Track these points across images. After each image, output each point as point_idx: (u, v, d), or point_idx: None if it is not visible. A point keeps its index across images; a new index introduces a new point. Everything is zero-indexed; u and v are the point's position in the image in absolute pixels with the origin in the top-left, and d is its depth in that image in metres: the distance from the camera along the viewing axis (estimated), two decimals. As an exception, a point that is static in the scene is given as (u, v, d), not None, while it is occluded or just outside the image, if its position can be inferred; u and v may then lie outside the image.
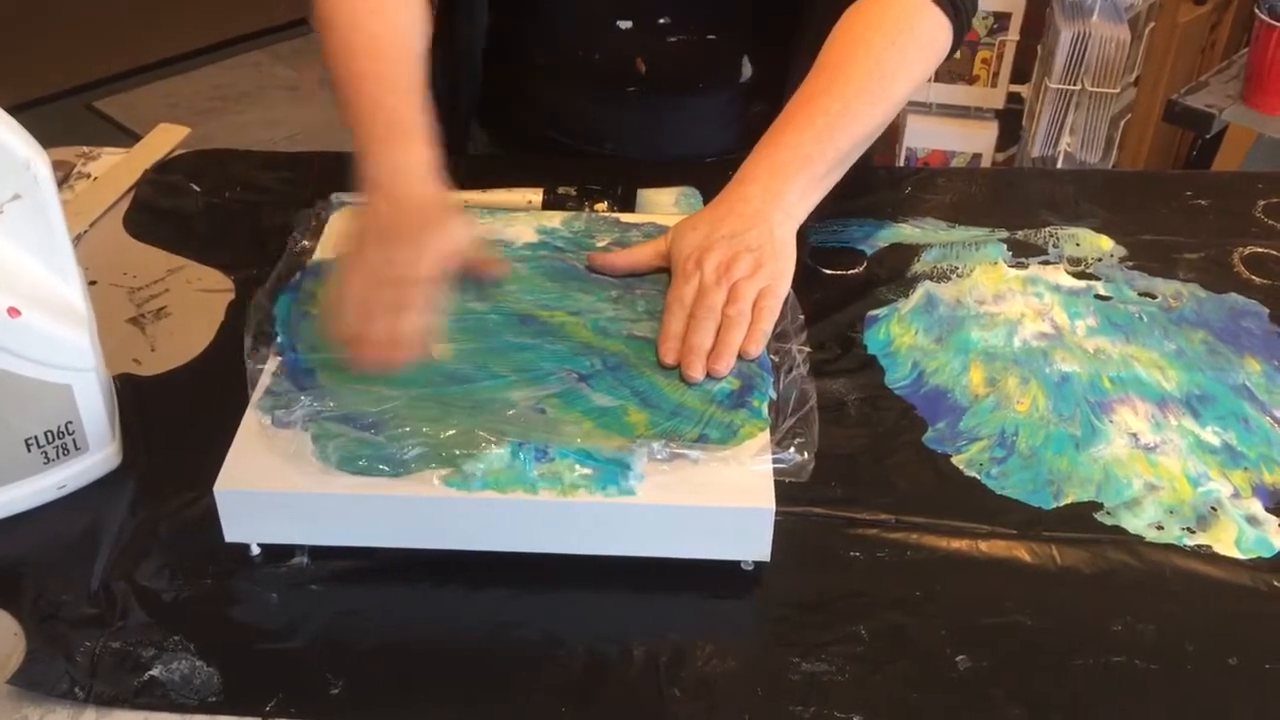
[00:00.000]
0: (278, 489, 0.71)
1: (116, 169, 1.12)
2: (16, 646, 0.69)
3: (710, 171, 0.95)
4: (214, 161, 1.15)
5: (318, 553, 0.74)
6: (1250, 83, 1.99)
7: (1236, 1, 2.38)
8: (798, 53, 1.05)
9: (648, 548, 0.72)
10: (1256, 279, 1.01)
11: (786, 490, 0.72)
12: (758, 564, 0.73)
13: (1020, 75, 2.20)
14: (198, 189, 1.10)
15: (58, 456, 0.77)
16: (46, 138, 0.74)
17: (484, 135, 1.22)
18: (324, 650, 0.69)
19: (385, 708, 0.66)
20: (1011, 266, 1.01)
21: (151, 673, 0.67)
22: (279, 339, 0.81)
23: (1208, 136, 2.02)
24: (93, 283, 0.96)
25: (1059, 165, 2.10)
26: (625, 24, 1.06)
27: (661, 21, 1.06)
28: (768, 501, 0.70)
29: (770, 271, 0.84)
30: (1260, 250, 1.04)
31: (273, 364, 0.79)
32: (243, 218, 1.06)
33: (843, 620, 0.71)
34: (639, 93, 1.10)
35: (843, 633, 0.70)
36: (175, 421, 0.84)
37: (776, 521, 0.71)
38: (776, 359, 0.82)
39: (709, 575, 0.73)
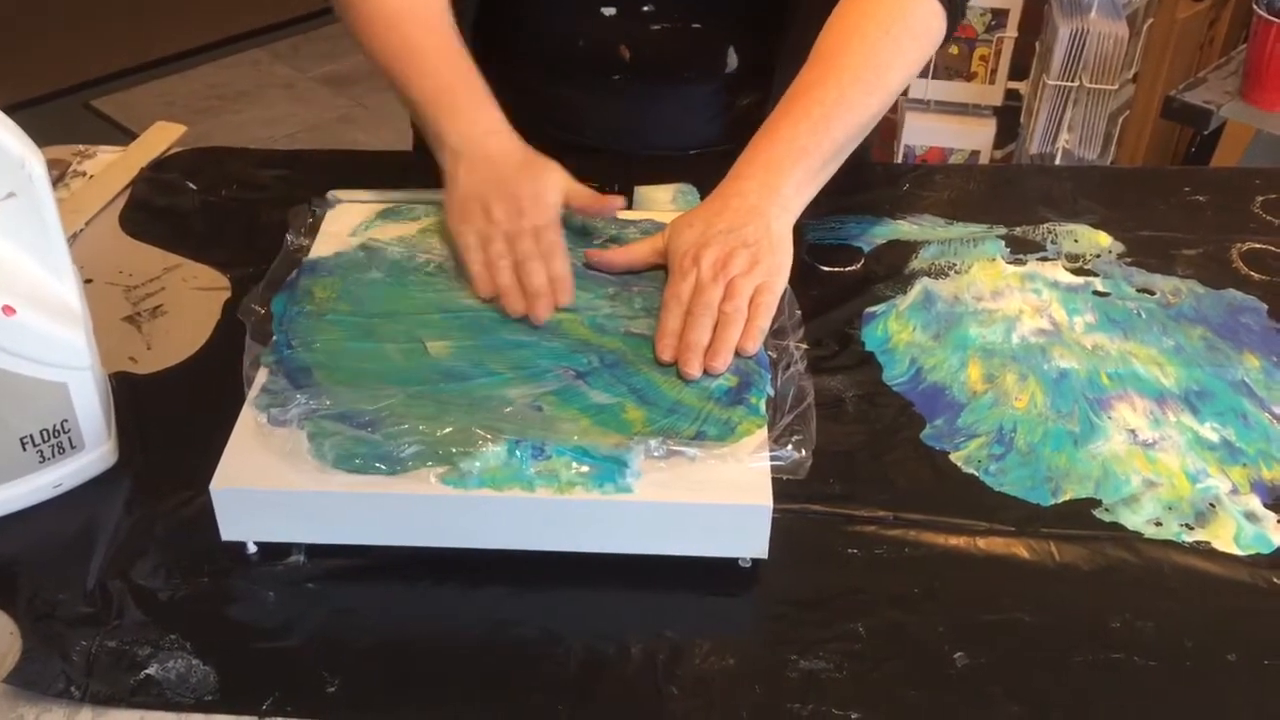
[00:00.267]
0: (274, 487, 0.71)
1: (113, 167, 1.12)
2: (12, 645, 0.69)
3: (706, 165, 0.95)
4: (210, 159, 1.14)
5: (314, 551, 0.74)
6: (1248, 79, 1.98)
7: (1234, -2, 2.38)
8: (784, 44, 1.04)
9: (645, 545, 0.72)
10: (1255, 275, 1.01)
11: (784, 487, 0.72)
12: (755, 561, 0.73)
13: (1018, 72, 2.20)
14: (194, 187, 1.10)
15: (53, 455, 0.76)
16: (44, 136, 0.74)
17: None
18: (320, 649, 0.69)
19: (382, 706, 0.66)
20: (1010, 263, 1.01)
21: (148, 671, 0.67)
22: (275, 337, 0.80)
23: (1206, 133, 2.02)
24: (89, 281, 0.96)
25: (1057, 162, 2.09)
26: (610, 10, 1.06)
27: (646, 9, 1.06)
28: (765, 499, 0.70)
29: (767, 267, 0.83)
30: (1258, 246, 1.04)
31: (269, 362, 0.78)
32: (239, 216, 1.06)
33: (841, 618, 0.71)
34: (623, 81, 1.10)
35: (841, 630, 0.70)
36: (171, 420, 0.84)
37: (774, 519, 0.71)
38: (774, 355, 0.81)
39: (707, 573, 0.73)
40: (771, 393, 0.78)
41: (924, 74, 2.18)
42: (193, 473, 0.74)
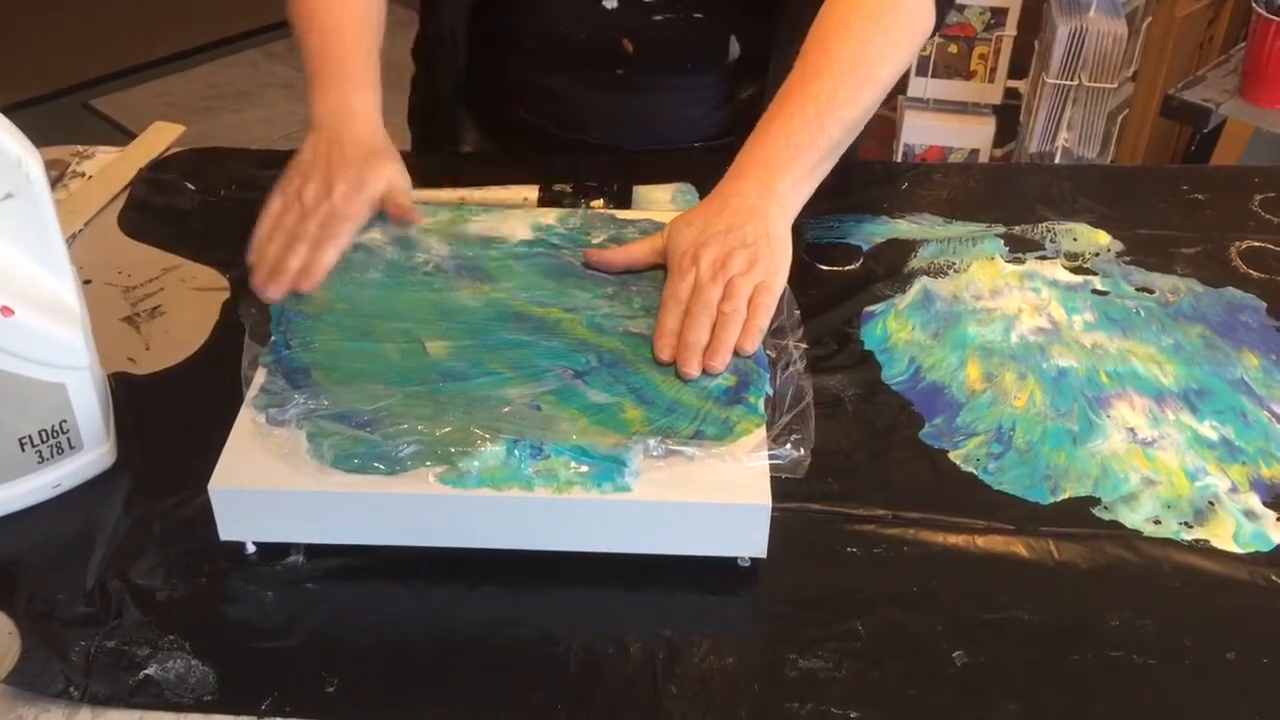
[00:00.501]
0: (272, 487, 0.71)
1: (111, 167, 1.12)
2: (11, 646, 0.69)
3: (704, 163, 0.95)
4: (209, 159, 1.14)
5: (313, 551, 0.74)
6: (1248, 77, 1.98)
7: (1233, -4, 2.37)
8: (783, 30, 1.04)
9: (644, 544, 0.72)
10: (1254, 273, 1.00)
11: (783, 486, 0.72)
12: (754, 560, 0.73)
13: (1017, 70, 2.20)
14: (192, 187, 1.10)
15: (52, 455, 0.76)
16: (43, 137, 0.74)
17: (472, 125, 1.22)
18: (319, 648, 0.69)
19: (380, 706, 0.66)
20: (1008, 262, 1.01)
21: (147, 671, 0.67)
22: (273, 338, 0.80)
23: (1205, 131, 2.02)
24: (88, 281, 0.96)
25: (1056, 160, 2.09)
26: (611, 3, 1.06)
27: (647, 0, 1.06)
28: (764, 498, 0.70)
29: (766, 267, 0.83)
30: (1257, 245, 1.04)
31: (267, 362, 0.78)
32: (238, 216, 1.05)
33: (840, 616, 0.71)
34: (626, 74, 1.10)
35: (840, 629, 0.70)
36: (170, 420, 0.84)
37: (773, 518, 0.71)
38: (773, 355, 0.81)
39: (705, 572, 0.73)
40: (770, 392, 0.78)
41: (923, 73, 2.18)
42: (191, 473, 0.74)
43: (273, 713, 0.66)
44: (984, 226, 1.05)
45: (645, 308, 0.84)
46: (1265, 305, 0.96)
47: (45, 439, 0.76)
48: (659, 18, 1.06)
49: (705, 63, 1.11)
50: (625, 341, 0.81)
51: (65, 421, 0.76)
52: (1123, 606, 0.72)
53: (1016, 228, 1.05)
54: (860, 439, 0.83)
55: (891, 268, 1.00)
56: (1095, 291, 0.97)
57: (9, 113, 0.71)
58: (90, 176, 1.11)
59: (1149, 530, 0.77)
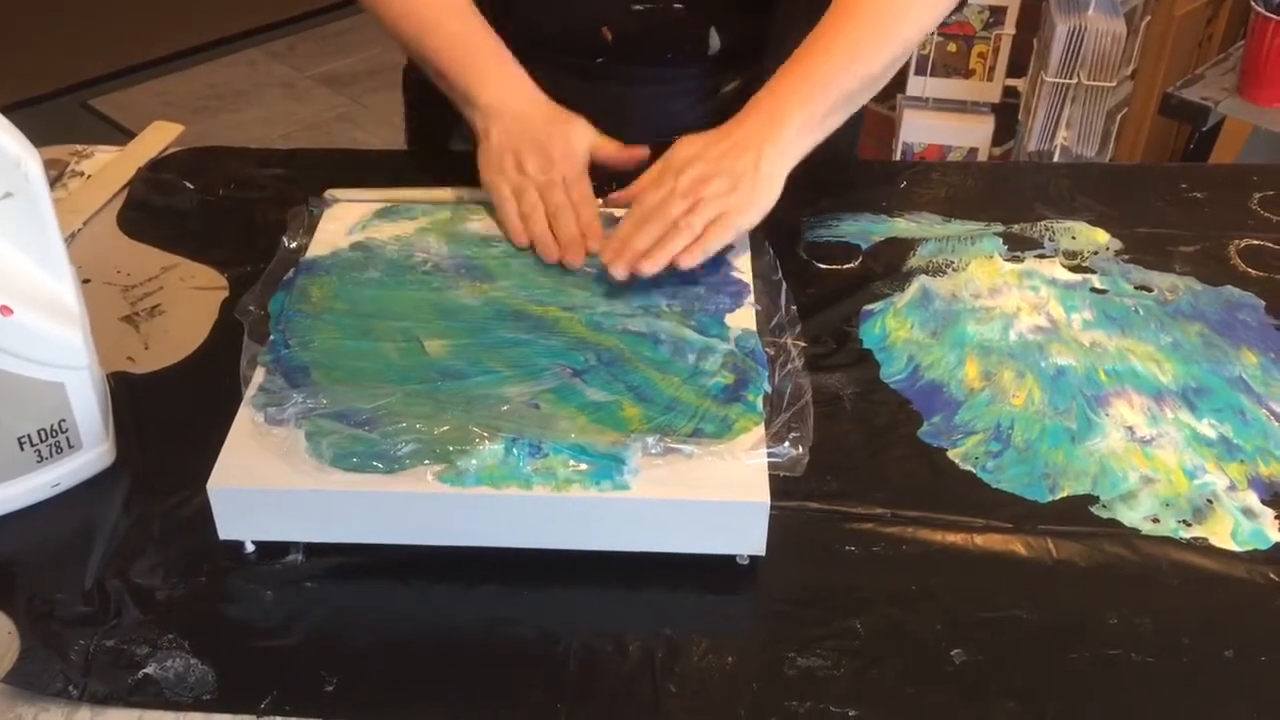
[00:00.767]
0: (271, 486, 0.71)
1: (110, 167, 1.12)
2: (11, 645, 0.69)
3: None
4: (208, 159, 1.14)
5: (312, 550, 0.74)
6: (1246, 76, 1.98)
7: (1232, -6, 2.38)
8: (771, 27, 1.05)
9: (643, 542, 0.72)
10: (1253, 271, 1.01)
11: (781, 485, 0.72)
12: (753, 559, 0.73)
13: (1016, 69, 2.20)
14: (191, 186, 1.10)
15: (51, 455, 0.76)
16: (42, 136, 0.74)
17: (456, 118, 1.21)
18: (318, 647, 0.69)
19: (379, 705, 0.66)
20: (1007, 260, 1.01)
21: (146, 671, 0.67)
22: (272, 337, 0.80)
23: (1204, 129, 2.02)
24: (86, 281, 0.96)
25: (1055, 159, 2.09)
26: None
27: None
28: (762, 496, 0.70)
29: (741, 199, 0.86)
30: (1256, 243, 1.04)
31: (266, 361, 0.78)
32: (237, 215, 1.06)
33: (838, 615, 0.71)
34: (606, 64, 1.10)
35: (838, 627, 0.70)
36: (169, 419, 0.84)
37: (771, 516, 0.71)
38: (771, 353, 0.81)
39: (704, 570, 0.73)
40: (769, 390, 0.78)
41: (922, 71, 2.18)
42: (191, 472, 0.74)
43: (272, 712, 0.66)
44: (983, 225, 1.05)
45: (643, 306, 0.84)
46: (1264, 304, 0.96)
47: (44, 438, 0.76)
48: (639, 7, 1.06)
49: (685, 54, 1.11)
50: (624, 340, 0.81)
51: (64, 421, 0.76)
52: (1121, 605, 0.72)
53: (1015, 226, 1.05)
54: (859, 437, 0.83)
55: (890, 266, 1.00)
56: (1094, 290, 0.97)
57: (8, 112, 0.72)
58: (89, 176, 1.11)
59: (1147, 528, 0.77)
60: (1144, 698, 0.67)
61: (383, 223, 0.93)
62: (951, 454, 0.82)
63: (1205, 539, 0.76)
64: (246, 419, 0.74)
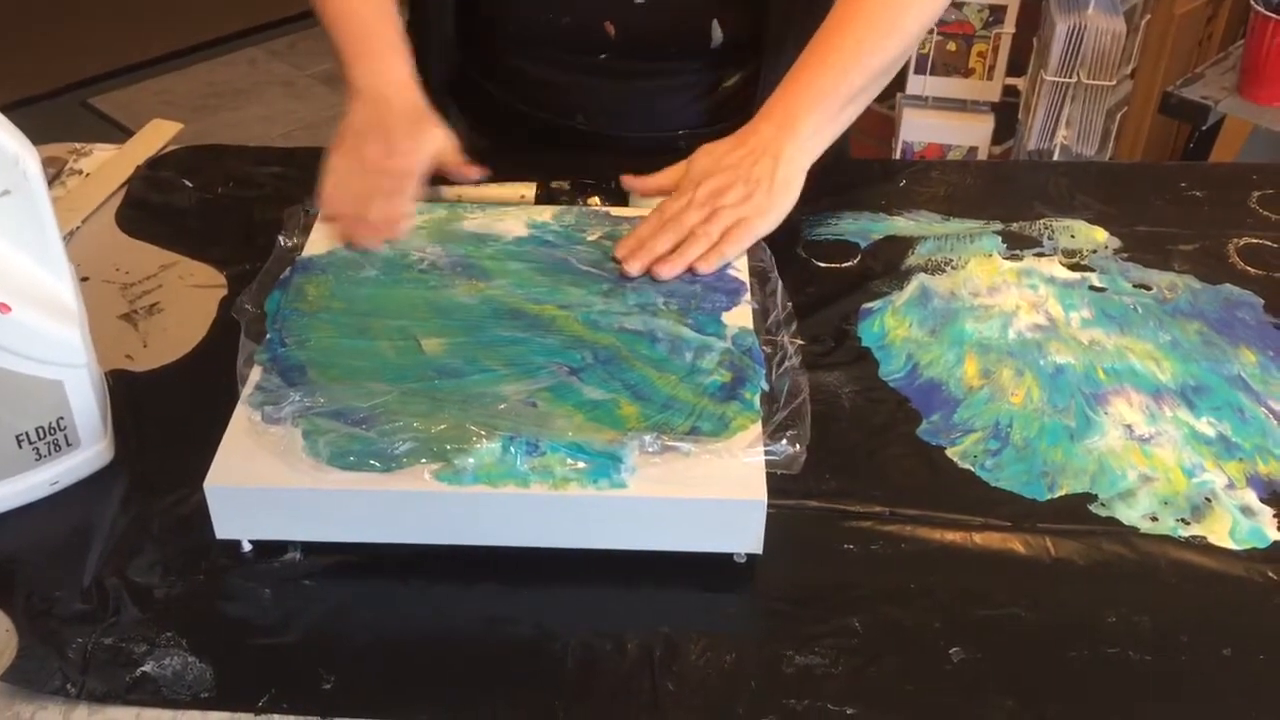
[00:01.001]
0: (268, 485, 0.71)
1: (109, 165, 1.12)
2: (9, 643, 0.69)
3: (693, 151, 0.95)
4: (206, 157, 1.14)
5: (310, 548, 0.74)
6: (1246, 74, 1.98)
7: (1232, -7, 2.37)
8: (770, 18, 1.05)
9: (640, 541, 0.72)
10: (1251, 270, 1.00)
11: (779, 483, 0.72)
12: (750, 557, 0.73)
13: (1016, 68, 2.20)
14: (190, 185, 1.10)
15: (49, 453, 0.76)
16: (42, 135, 0.74)
17: (459, 115, 1.21)
18: (316, 645, 0.69)
19: (377, 703, 0.66)
20: (1006, 259, 1.01)
21: (144, 669, 0.67)
22: (269, 335, 0.80)
23: (1204, 128, 2.02)
24: (85, 279, 0.96)
25: (1055, 158, 2.09)
26: None
27: None
28: (760, 494, 0.70)
29: (757, 206, 0.88)
30: (1255, 241, 1.04)
31: (262, 360, 0.78)
32: (235, 213, 1.06)
33: (836, 613, 0.71)
34: (609, 59, 1.10)
35: (836, 625, 0.70)
36: (167, 418, 0.84)
37: (769, 514, 0.71)
38: (768, 351, 0.81)
39: (702, 568, 0.73)
40: (766, 388, 0.78)
41: (921, 70, 2.18)
42: (189, 470, 0.74)
43: (270, 709, 0.66)
44: (982, 223, 1.05)
45: (640, 304, 0.84)
46: (1263, 302, 0.96)
47: (42, 436, 0.76)
48: (641, 2, 1.06)
49: (688, 48, 1.11)
50: (620, 338, 0.81)
51: (63, 419, 0.76)
52: (1119, 603, 0.72)
53: (1014, 225, 1.05)
54: (857, 436, 0.83)
55: (889, 265, 1.00)
56: (1093, 288, 0.97)
57: (7, 110, 0.72)
58: (88, 174, 1.11)
59: (1146, 527, 0.77)
60: (1142, 696, 0.67)
61: None
62: (950, 452, 0.82)
63: (1204, 537, 0.76)
64: (243, 418, 0.74)
